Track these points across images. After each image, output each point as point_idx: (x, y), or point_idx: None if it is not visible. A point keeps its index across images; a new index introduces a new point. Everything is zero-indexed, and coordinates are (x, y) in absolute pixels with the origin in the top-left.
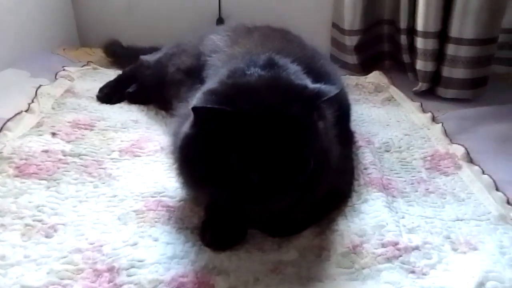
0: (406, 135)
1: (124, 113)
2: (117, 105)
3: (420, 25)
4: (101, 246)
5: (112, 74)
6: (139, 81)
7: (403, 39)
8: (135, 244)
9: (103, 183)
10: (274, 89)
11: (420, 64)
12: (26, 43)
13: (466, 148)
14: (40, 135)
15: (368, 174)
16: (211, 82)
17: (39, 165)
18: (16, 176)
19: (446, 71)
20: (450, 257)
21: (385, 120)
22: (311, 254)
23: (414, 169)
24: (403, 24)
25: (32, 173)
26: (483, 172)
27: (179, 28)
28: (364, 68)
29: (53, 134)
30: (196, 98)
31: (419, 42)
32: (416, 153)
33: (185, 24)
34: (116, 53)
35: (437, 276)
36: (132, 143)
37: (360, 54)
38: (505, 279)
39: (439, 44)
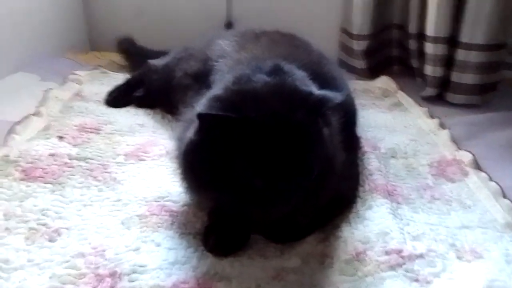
0: (412, 140)
1: (130, 117)
2: (124, 109)
3: (429, 30)
4: (104, 250)
5: (120, 78)
6: (146, 85)
7: (412, 44)
8: (137, 249)
9: (108, 187)
10: (279, 96)
11: (429, 69)
12: (37, 47)
13: (473, 155)
14: (47, 138)
15: (373, 180)
16: (217, 88)
17: (45, 168)
18: (22, 179)
19: (455, 77)
20: (454, 266)
21: (392, 125)
22: (314, 261)
23: (420, 175)
24: (412, 29)
25: (38, 177)
26: (490, 179)
27: (188, 32)
28: (372, 73)
29: (60, 137)
30: (201, 105)
31: (429, 47)
32: (423, 159)
33: (194, 28)
34: (129, 50)
35: (441, 285)
36: (138, 147)
37: (369, 59)
38: None
39: (449, 49)
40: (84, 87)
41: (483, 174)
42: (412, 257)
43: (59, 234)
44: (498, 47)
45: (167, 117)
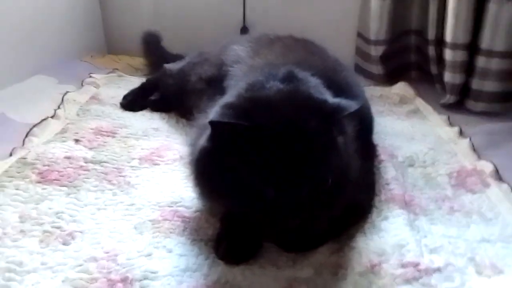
0: (431, 149)
1: (146, 121)
2: (140, 112)
3: (449, 37)
4: (116, 255)
5: (136, 81)
6: (161, 89)
7: (431, 50)
8: (149, 254)
9: (122, 191)
10: (293, 103)
11: (448, 76)
12: (55, 50)
13: (494, 165)
14: (64, 141)
15: (390, 189)
16: (230, 95)
17: (61, 171)
18: (38, 182)
19: (476, 84)
20: (473, 281)
21: (409, 133)
22: (327, 272)
23: (438, 185)
24: (431, 35)
25: (54, 180)
26: None
27: (204, 36)
28: (390, 79)
29: (76, 140)
30: (213, 112)
31: (448, 54)
32: (442, 168)
33: (210, 33)
34: (151, 45)
35: None
36: (152, 151)
37: (386, 65)
38: None
39: (469, 56)
40: (101, 90)
41: (505, 185)
42: (429, 271)
43: (73, 238)
44: None
45: (181, 122)
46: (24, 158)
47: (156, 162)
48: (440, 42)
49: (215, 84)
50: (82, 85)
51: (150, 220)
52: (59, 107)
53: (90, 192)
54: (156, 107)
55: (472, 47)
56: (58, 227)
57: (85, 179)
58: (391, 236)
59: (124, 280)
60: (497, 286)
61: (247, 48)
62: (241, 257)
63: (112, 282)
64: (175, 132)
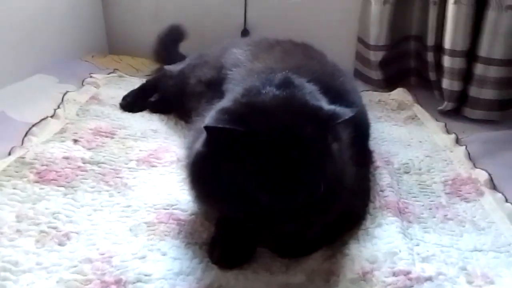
0: (427, 156)
1: (144, 122)
2: (139, 114)
3: (447, 43)
4: (111, 257)
5: (137, 82)
6: (161, 90)
7: (430, 56)
8: (143, 257)
9: (119, 192)
10: (288, 110)
11: (446, 83)
12: (56, 49)
13: (489, 174)
14: (63, 141)
15: (385, 196)
16: (226, 99)
17: (59, 171)
18: (36, 181)
19: (474, 91)
20: None
21: (406, 139)
22: (319, 278)
23: (433, 193)
24: (430, 41)
25: (51, 180)
26: (507, 200)
27: (204, 38)
28: (389, 84)
29: (75, 141)
30: (209, 117)
31: (446, 61)
32: (437, 176)
33: (211, 35)
34: (165, 40)
35: None
36: (150, 153)
37: (385, 70)
38: None
39: (467, 63)
40: (101, 90)
41: (499, 195)
42: (421, 280)
43: (68, 238)
44: None
45: (180, 124)
46: (23, 158)
47: (154, 164)
48: (439, 48)
49: (214, 87)
50: (82, 85)
51: (145, 222)
52: (59, 107)
53: (87, 193)
54: (156, 109)
55: (471, 55)
56: (54, 228)
57: (82, 180)
58: (384, 244)
59: (117, 282)
60: None
61: (247, 51)
62: (235, 261)
63: (106, 284)
64: (173, 134)
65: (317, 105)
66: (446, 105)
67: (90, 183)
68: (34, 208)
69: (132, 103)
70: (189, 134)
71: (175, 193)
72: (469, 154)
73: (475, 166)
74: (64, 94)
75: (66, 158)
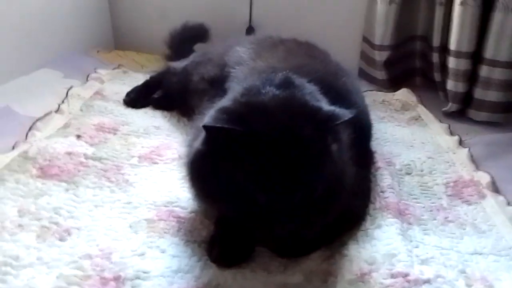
0: (429, 158)
1: (147, 118)
2: (142, 110)
3: (453, 44)
4: (110, 253)
5: (141, 78)
6: (164, 87)
7: (435, 57)
8: (142, 254)
9: (120, 188)
10: (287, 110)
11: (451, 84)
12: (62, 44)
13: (492, 176)
14: (66, 136)
15: (385, 198)
16: (226, 98)
17: (61, 167)
18: (39, 176)
19: (479, 93)
20: None
21: (409, 140)
22: (317, 279)
23: (434, 195)
24: (436, 41)
25: (54, 175)
26: (509, 203)
27: (210, 35)
28: (393, 84)
29: (78, 136)
30: (208, 116)
31: (451, 62)
32: (439, 178)
33: (216, 32)
34: (175, 35)
35: None
36: (152, 149)
37: (390, 70)
38: None
39: (472, 65)
40: (106, 86)
41: (501, 197)
42: (419, 282)
43: (69, 234)
44: None
45: (183, 121)
46: (26, 152)
47: (155, 161)
48: (444, 49)
49: (217, 85)
50: (87, 80)
51: (145, 219)
52: (63, 102)
53: (89, 188)
54: (159, 105)
55: (476, 56)
56: (55, 223)
57: (84, 176)
58: (383, 245)
59: (116, 278)
60: None
61: (250, 50)
62: (234, 260)
63: (105, 280)
64: (176, 131)
65: (316, 106)
66: (451, 106)
67: (92, 179)
68: (36, 203)
69: (136, 99)
70: (190, 132)
71: (176, 190)
72: (472, 156)
73: (477, 168)
74: (69, 89)
75: (69, 153)
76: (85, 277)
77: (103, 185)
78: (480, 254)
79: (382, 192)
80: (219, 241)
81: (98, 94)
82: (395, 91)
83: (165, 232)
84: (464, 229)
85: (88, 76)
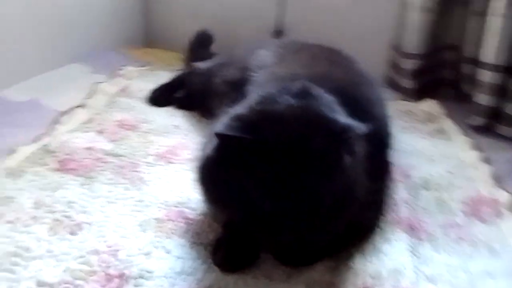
0: (449, 172)
1: (168, 117)
2: (164, 108)
3: (485, 56)
4: (117, 251)
5: (167, 76)
6: (188, 87)
7: (466, 68)
8: (148, 253)
9: (134, 186)
10: (302, 120)
11: (480, 97)
12: (94, 39)
13: None
14: (87, 131)
15: (397, 211)
16: (241, 105)
17: (80, 161)
18: (57, 170)
19: (510, 108)
20: None
21: (430, 153)
22: None
23: (450, 211)
24: (467, 52)
25: (72, 169)
26: None
27: (238, 36)
28: (420, 94)
29: (99, 132)
30: (221, 123)
31: (484, 75)
32: (456, 194)
33: (245, 33)
34: (199, 46)
35: None
36: (169, 149)
37: (418, 79)
38: None
39: (504, 78)
40: (131, 83)
41: None
42: None
43: (80, 228)
44: None
45: (203, 122)
46: (47, 146)
47: (171, 160)
48: (476, 60)
49: (238, 88)
50: (114, 76)
51: (155, 219)
52: (88, 97)
53: (104, 184)
54: (181, 105)
55: (508, 70)
56: (68, 217)
57: (101, 171)
58: (390, 260)
59: (121, 276)
60: None
61: (273, 54)
62: (237, 266)
63: (109, 277)
64: (194, 132)
65: (331, 117)
66: (477, 120)
67: (108, 175)
68: (51, 196)
69: (159, 97)
70: (206, 135)
71: (188, 191)
72: (494, 173)
73: (499, 186)
74: (95, 85)
75: (88, 148)
76: (91, 272)
77: (118, 182)
78: (490, 275)
79: (395, 205)
80: (224, 245)
81: (123, 91)
82: (420, 101)
83: (172, 233)
84: (477, 248)
85: (115, 72)
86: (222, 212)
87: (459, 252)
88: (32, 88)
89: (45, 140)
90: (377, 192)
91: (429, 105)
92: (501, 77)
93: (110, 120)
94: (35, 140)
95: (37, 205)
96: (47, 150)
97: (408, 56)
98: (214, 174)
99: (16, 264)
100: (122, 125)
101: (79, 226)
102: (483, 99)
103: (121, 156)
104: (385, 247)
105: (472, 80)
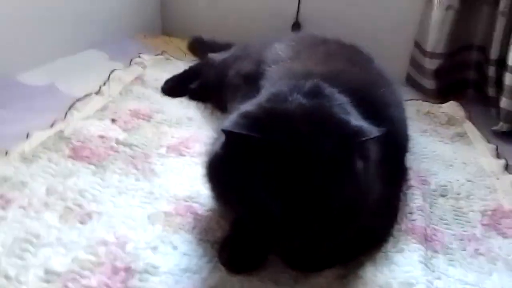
0: (469, 180)
1: (182, 108)
2: (178, 99)
3: None
4: (125, 243)
5: (182, 66)
6: (202, 78)
7: (492, 70)
8: (155, 248)
9: (145, 177)
10: (311, 121)
11: (505, 102)
12: (111, 26)
13: None
14: (101, 119)
15: (412, 220)
16: (250, 102)
17: (93, 149)
18: (70, 157)
19: None
20: None
21: (449, 159)
22: None
23: (468, 222)
24: (493, 54)
25: (84, 157)
26: None
27: (256, 28)
28: (442, 95)
29: (113, 120)
30: (229, 120)
31: (508, 78)
32: (476, 204)
33: (262, 25)
34: (199, 51)
35: None
36: (181, 140)
37: (440, 79)
38: None
39: None
40: (147, 71)
41: None
42: None
43: (90, 218)
44: None
45: (216, 114)
46: (62, 132)
47: (183, 153)
48: (502, 63)
49: (252, 81)
50: (130, 64)
51: (163, 212)
52: (104, 84)
53: (115, 174)
54: (195, 96)
55: None
56: (79, 205)
57: (113, 161)
58: (401, 272)
59: (127, 269)
60: None
61: (289, 48)
62: (243, 267)
63: (116, 270)
64: (207, 124)
65: (343, 119)
66: (502, 126)
67: (119, 164)
68: (63, 183)
69: (173, 88)
70: (216, 129)
71: (197, 185)
72: None
73: None
74: (111, 72)
75: (102, 137)
76: (98, 263)
77: (129, 172)
78: None
79: (410, 213)
80: (231, 244)
81: (138, 79)
82: (442, 102)
83: (180, 228)
84: (495, 264)
85: (131, 60)
86: (230, 210)
87: (476, 268)
88: (49, 73)
89: (61, 126)
90: (391, 199)
91: (451, 107)
92: None
93: (124, 108)
94: (50, 125)
95: (49, 191)
96: (61, 137)
97: (430, 55)
98: (221, 171)
99: (25, 250)
100: (135, 114)
101: (89, 215)
102: (508, 104)
103: (133, 145)
104: (397, 258)
105: (497, 84)
